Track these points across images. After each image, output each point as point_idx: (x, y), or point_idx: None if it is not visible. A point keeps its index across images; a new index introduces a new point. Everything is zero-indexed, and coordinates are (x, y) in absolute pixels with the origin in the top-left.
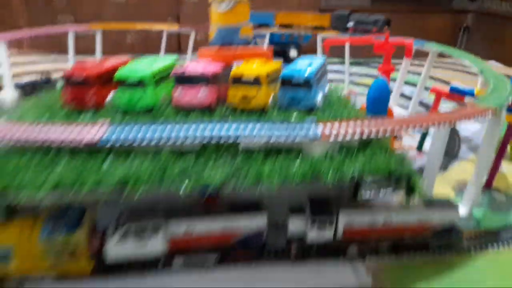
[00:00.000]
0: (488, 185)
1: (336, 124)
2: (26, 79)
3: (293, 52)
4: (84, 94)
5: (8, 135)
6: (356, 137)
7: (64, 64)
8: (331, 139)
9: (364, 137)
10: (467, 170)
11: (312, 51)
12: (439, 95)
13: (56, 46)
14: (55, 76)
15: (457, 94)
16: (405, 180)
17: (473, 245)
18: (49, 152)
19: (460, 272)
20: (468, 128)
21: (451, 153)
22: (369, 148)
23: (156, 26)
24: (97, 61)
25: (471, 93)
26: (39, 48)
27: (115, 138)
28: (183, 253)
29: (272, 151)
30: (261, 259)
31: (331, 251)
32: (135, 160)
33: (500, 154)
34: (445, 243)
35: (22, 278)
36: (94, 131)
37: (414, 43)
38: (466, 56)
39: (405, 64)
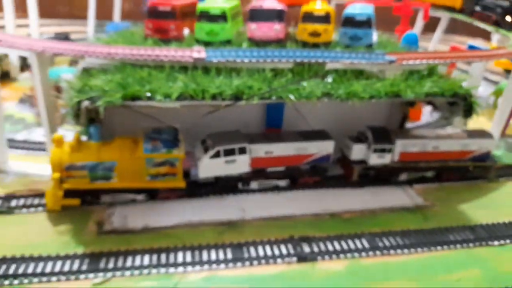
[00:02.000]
0: (502, 133)
1: (404, 54)
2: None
3: None
4: (169, 25)
5: (125, 53)
6: (423, 63)
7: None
8: (404, 63)
9: (429, 62)
10: (478, 120)
11: None
12: (459, 52)
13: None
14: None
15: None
16: (465, 100)
17: (500, 175)
18: (163, 68)
19: (492, 195)
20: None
21: None
22: (433, 75)
23: None
24: None
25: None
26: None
27: (220, 55)
28: (261, 174)
29: (353, 74)
30: (325, 185)
31: (384, 178)
32: (244, 76)
33: None
34: (481, 166)
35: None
36: (197, 51)
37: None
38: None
39: (421, 25)
